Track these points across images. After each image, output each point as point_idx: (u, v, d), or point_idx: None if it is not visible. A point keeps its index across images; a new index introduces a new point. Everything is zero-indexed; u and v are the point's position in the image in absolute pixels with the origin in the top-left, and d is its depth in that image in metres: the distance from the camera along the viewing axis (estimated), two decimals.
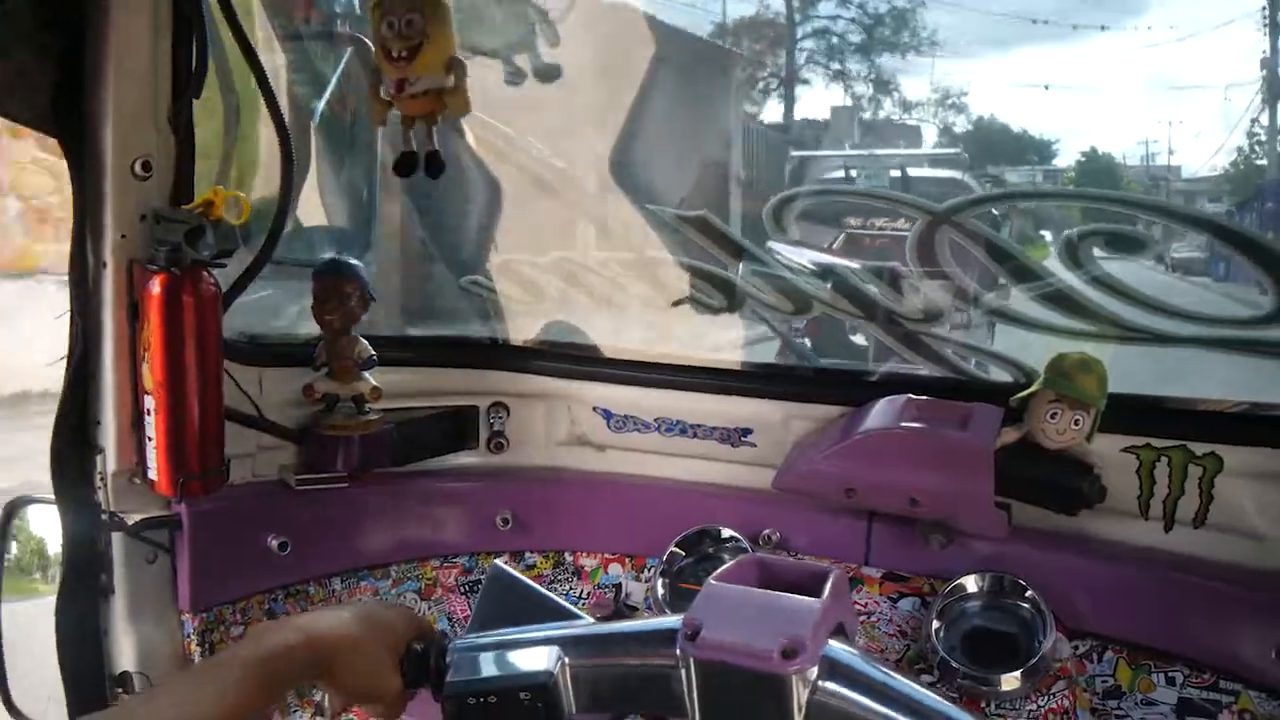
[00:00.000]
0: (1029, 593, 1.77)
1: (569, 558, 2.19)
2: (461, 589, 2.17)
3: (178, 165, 1.84)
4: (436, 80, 1.84)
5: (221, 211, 1.77)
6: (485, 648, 1.24)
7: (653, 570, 2.04)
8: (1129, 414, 1.84)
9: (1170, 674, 1.72)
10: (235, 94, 2.17)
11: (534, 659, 1.20)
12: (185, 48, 1.81)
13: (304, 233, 2.65)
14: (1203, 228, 1.96)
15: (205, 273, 1.78)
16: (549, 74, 2.45)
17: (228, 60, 2.04)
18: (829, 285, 2.25)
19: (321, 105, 2.72)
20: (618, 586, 2.09)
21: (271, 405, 2.05)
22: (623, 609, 2.03)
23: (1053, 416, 1.78)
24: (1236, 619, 1.70)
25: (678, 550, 2.00)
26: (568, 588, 2.16)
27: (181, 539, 1.86)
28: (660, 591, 1.97)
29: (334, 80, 2.69)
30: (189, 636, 1.87)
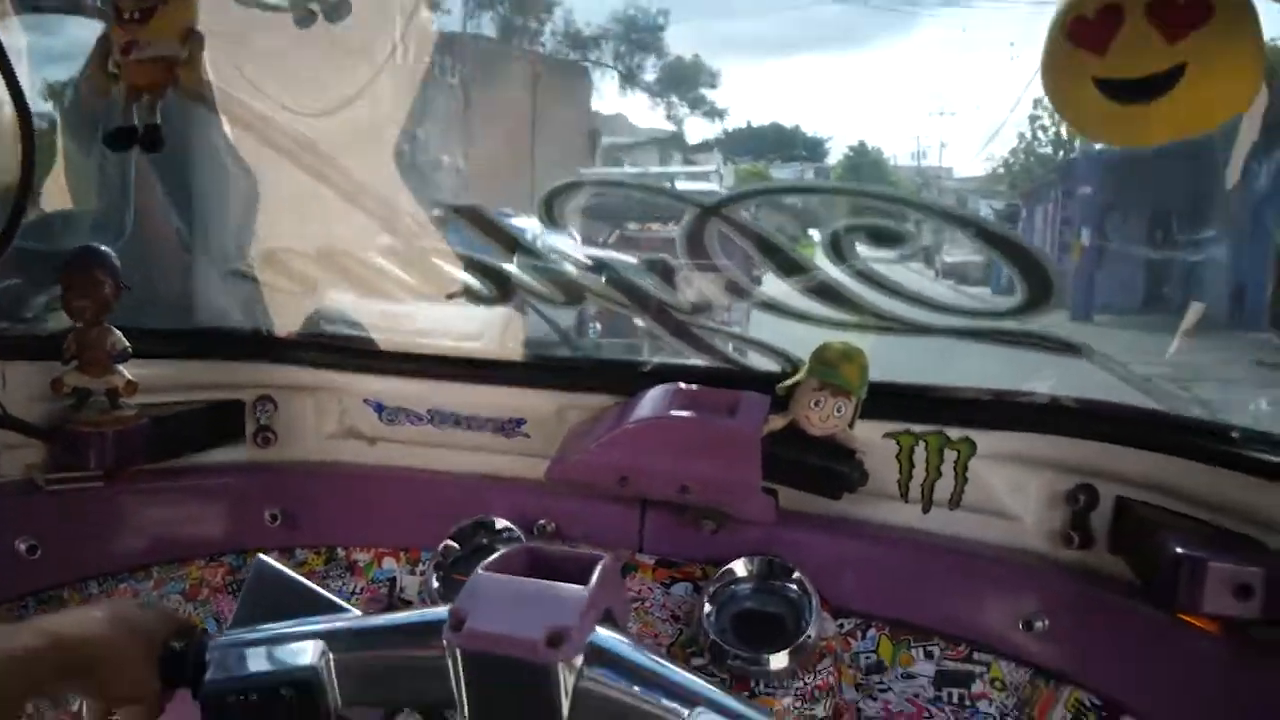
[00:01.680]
0: (795, 575, 1.82)
1: (341, 553, 2.15)
2: (229, 588, 2.09)
3: None
4: (169, 48, 1.76)
5: None
6: (246, 644, 1.19)
7: (427, 564, 2.01)
8: (889, 401, 1.93)
9: (928, 648, 1.81)
10: None
11: (296, 654, 1.16)
12: None
13: (49, 219, 2.51)
14: (963, 225, 2.02)
15: None
16: (339, 12, 2.39)
17: None
18: (602, 278, 2.26)
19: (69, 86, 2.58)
20: (392, 581, 2.06)
21: (16, 401, 1.94)
22: (396, 604, 2.00)
23: (816, 404, 1.83)
24: (988, 594, 1.80)
25: (452, 543, 1.98)
26: (340, 584, 2.11)
27: None
28: (434, 585, 1.94)
29: (87, 57, 2.55)
30: None
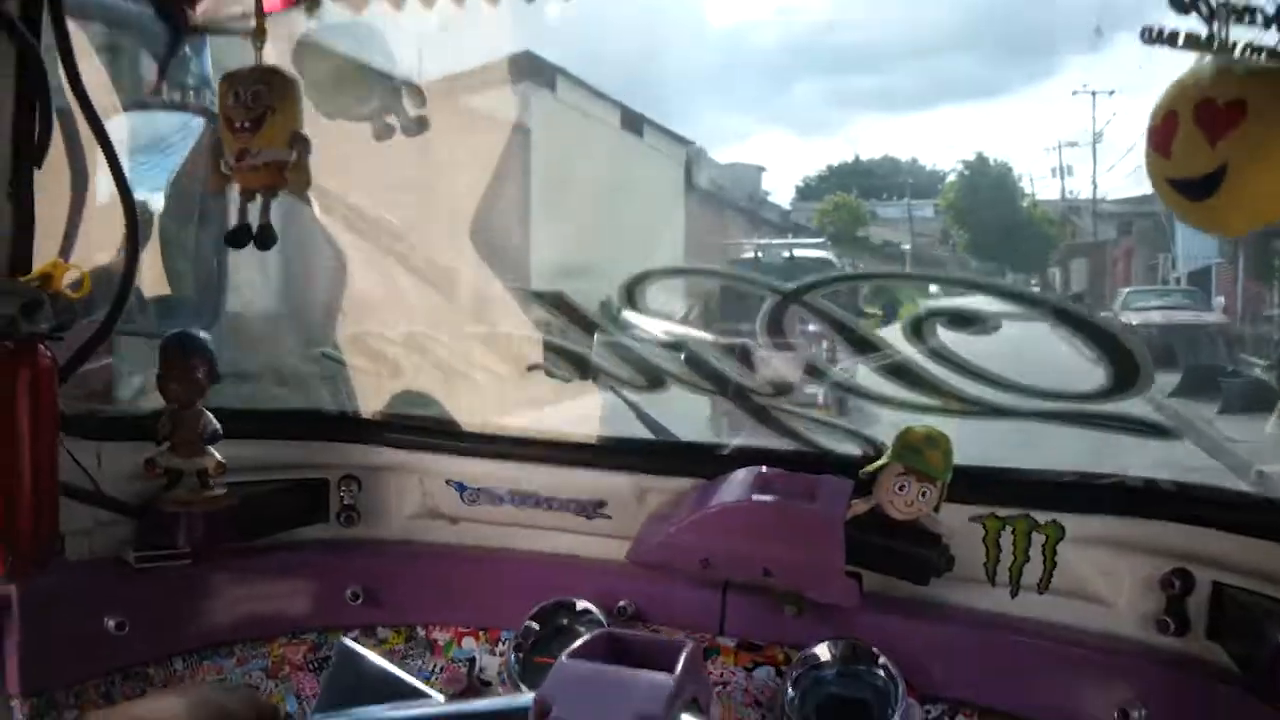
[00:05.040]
0: (881, 660, 1.79)
1: (421, 632, 2.16)
2: (310, 666, 2.11)
3: (15, 236, 1.79)
4: (278, 154, 1.83)
5: (61, 285, 1.72)
6: None
7: (507, 644, 2.01)
8: (974, 484, 1.90)
9: None
10: (82, 163, 2.12)
11: None
12: (28, 116, 1.77)
13: (149, 304, 2.58)
14: (1039, 308, 2.00)
15: (41, 345, 1.72)
16: (418, 127, 2.45)
17: (77, 130, 1.99)
18: (682, 358, 2.27)
19: (169, 176, 2.67)
20: (471, 661, 2.07)
21: (111, 480, 1.98)
22: (476, 684, 2.00)
23: (901, 489, 1.81)
24: (1080, 680, 1.75)
25: (532, 623, 1.98)
26: (420, 663, 2.12)
27: (11, 619, 1.77)
28: (514, 666, 1.94)
29: (185, 151, 2.65)
30: None
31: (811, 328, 2.12)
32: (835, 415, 2.23)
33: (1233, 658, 1.64)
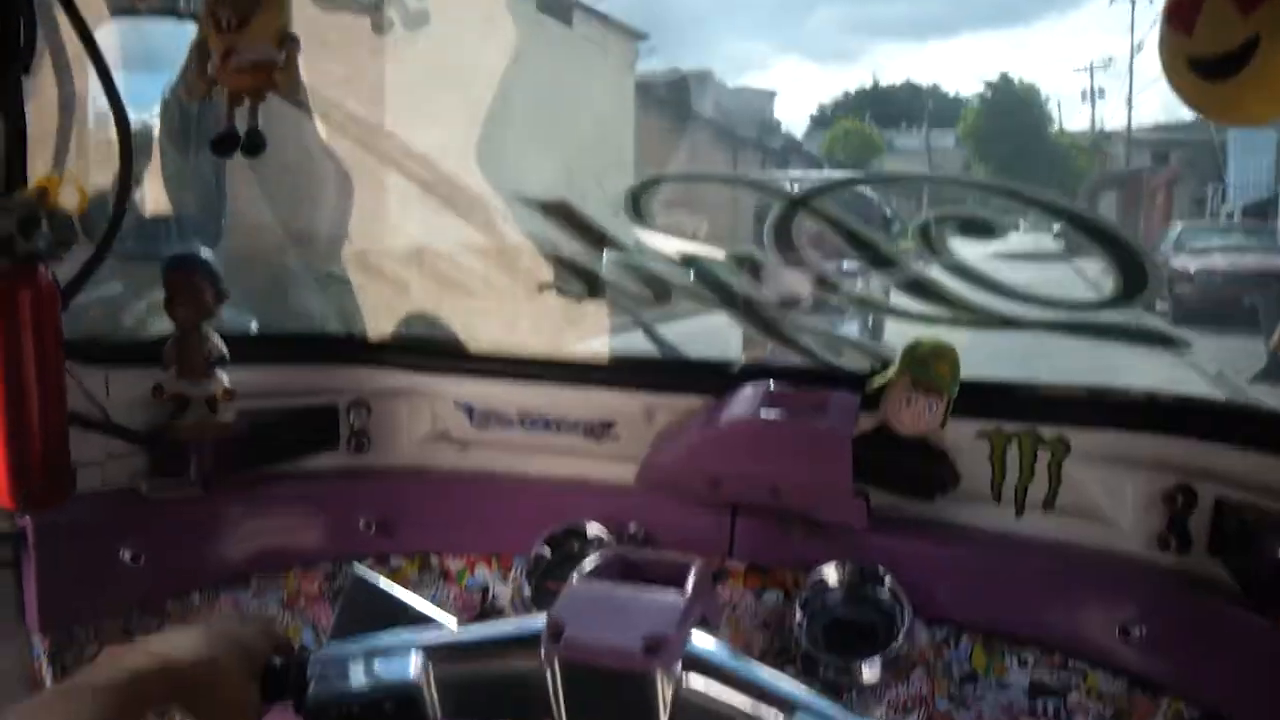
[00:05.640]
0: (888, 582, 1.80)
1: (435, 560, 2.16)
2: (326, 596, 2.13)
3: (7, 148, 1.74)
4: (267, 52, 1.78)
5: (57, 199, 1.69)
6: (346, 658, 1.22)
7: (519, 570, 2.02)
8: (981, 399, 1.89)
9: (1022, 656, 1.78)
10: (70, 74, 2.07)
11: (397, 667, 1.18)
12: (11, 21, 1.72)
13: (150, 224, 2.56)
14: (1056, 214, 1.96)
15: (42, 267, 1.70)
16: (417, 21, 2.40)
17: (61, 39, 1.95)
18: (691, 274, 2.25)
19: (165, 91, 2.63)
20: (484, 589, 2.08)
21: (120, 408, 1.96)
22: (489, 611, 2.01)
23: (908, 403, 1.81)
24: (1083, 600, 1.76)
25: (543, 550, 1.99)
26: (434, 591, 2.13)
27: (28, 554, 1.78)
28: (526, 592, 1.95)
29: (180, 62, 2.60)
30: (39, 658, 1.80)
31: (846, 265, 2.08)
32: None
33: (1233, 574, 1.65)
